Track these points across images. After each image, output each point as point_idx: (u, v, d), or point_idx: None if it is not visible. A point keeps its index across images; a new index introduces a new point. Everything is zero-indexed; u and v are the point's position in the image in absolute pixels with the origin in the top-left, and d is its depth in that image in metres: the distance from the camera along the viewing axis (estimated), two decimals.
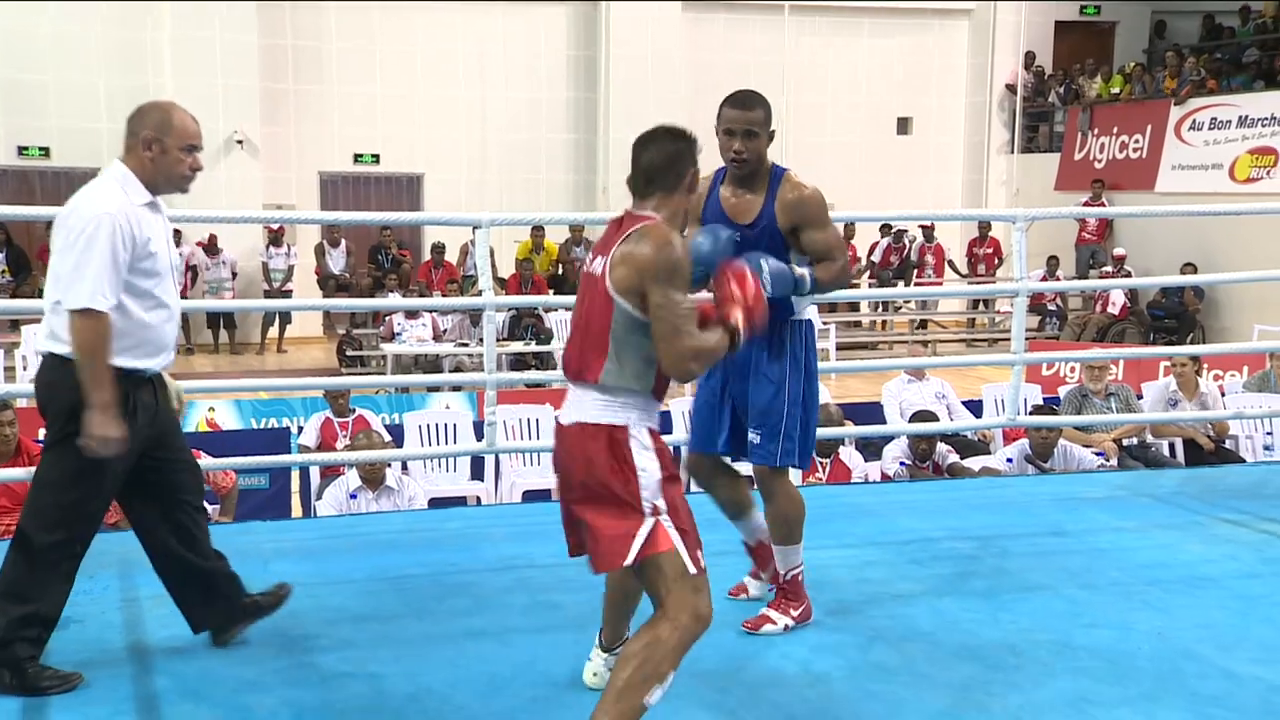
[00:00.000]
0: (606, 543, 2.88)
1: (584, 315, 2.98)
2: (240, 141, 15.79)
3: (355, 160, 17.30)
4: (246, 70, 16.02)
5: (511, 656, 3.63)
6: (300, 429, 8.22)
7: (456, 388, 10.16)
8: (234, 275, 15.68)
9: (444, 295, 13.77)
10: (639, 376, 2.91)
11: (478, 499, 7.68)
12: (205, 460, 5.95)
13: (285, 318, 15.87)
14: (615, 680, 2.79)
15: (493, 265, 17.79)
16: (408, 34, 17.10)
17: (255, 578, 3.83)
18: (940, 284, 17.03)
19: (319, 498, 6.92)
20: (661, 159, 3.00)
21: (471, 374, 11.43)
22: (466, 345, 13.02)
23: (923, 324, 17.66)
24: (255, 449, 6.88)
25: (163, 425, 3.49)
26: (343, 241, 16.00)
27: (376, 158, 17.34)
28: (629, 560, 2.86)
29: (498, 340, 12.19)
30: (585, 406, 2.92)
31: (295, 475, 7.71)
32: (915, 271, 17.39)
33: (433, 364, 12.93)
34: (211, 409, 9.14)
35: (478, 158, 17.55)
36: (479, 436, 6.74)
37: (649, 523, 2.86)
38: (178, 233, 15.47)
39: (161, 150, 3.34)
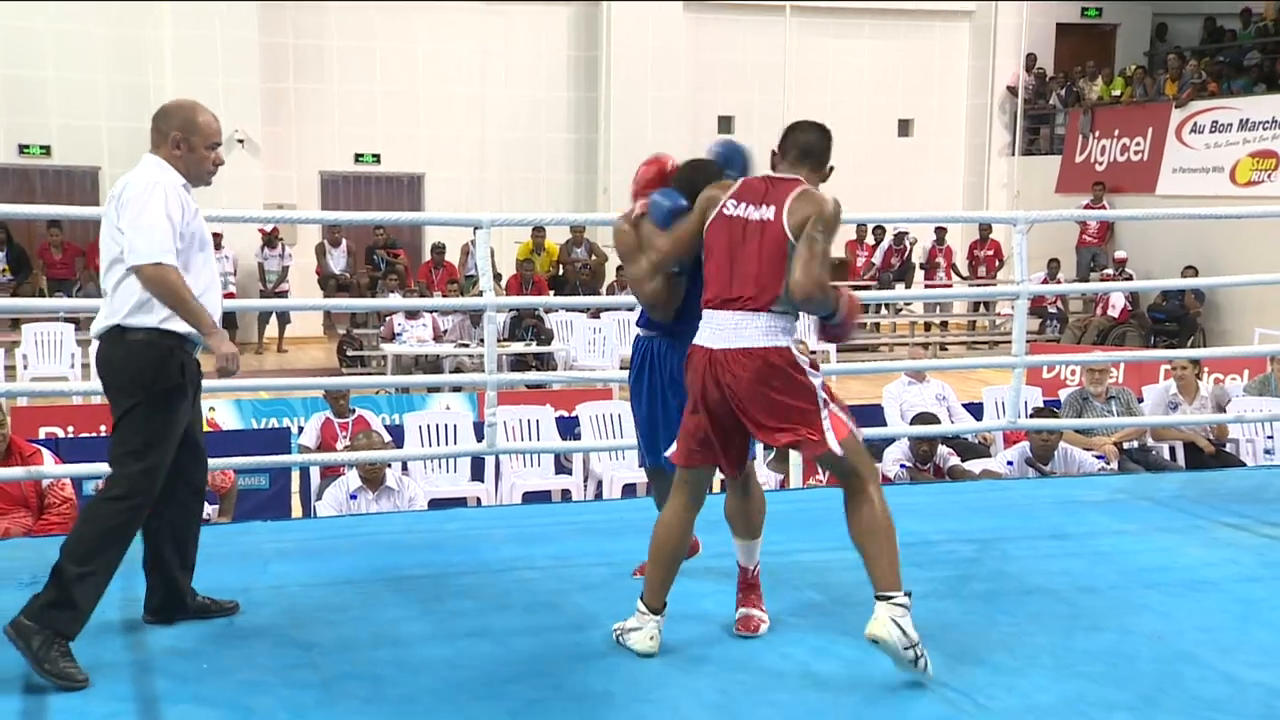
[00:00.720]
0: (806, 433, 3.44)
1: (752, 252, 3.48)
2: (241, 140, 15.80)
3: (356, 160, 17.31)
4: (247, 69, 16.02)
5: (512, 658, 3.63)
6: (300, 429, 8.22)
7: (457, 388, 10.16)
8: (234, 272, 15.70)
9: (444, 295, 13.77)
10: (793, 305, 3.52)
11: (478, 500, 7.68)
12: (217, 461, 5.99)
13: (285, 317, 15.88)
14: (873, 546, 3.42)
15: (493, 266, 17.81)
16: (409, 33, 17.11)
17: (255, 578, 3.84)
18: (950, 285, 17.03)
19: (319, 498, 6.93)
20: (820, 141, 3.64)
21: (472, 375, 11.44)
22: (467, 346, 13.02)
23: (926, 325, 17.66)
24: (255, 449, 6.88)
25: (196, 407, 3.72)
26: (344, 241, 16.01)
27: (377, 157, 17.35)
28: (835, 447, 3.44)
29: (498, 341, 12.22)
30: (748, 332, 3.46)
31: (295, 475, 7.71)
32: (926, 274, 17.39)
33: (433, 364, 12.94)
34: (211, 408, 9.13)
35: (478, 158, 17.55)
36: (479, 437, 6.74)
37: (825, 414, 3.47)
38: None
39: (189, 148, 3.60)
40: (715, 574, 4.13)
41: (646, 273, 3.78)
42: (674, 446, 3.65)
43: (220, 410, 9.22)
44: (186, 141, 3.59)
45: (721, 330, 3.49)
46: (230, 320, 15.71)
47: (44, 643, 3.32)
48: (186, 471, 3.71)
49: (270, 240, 15.81)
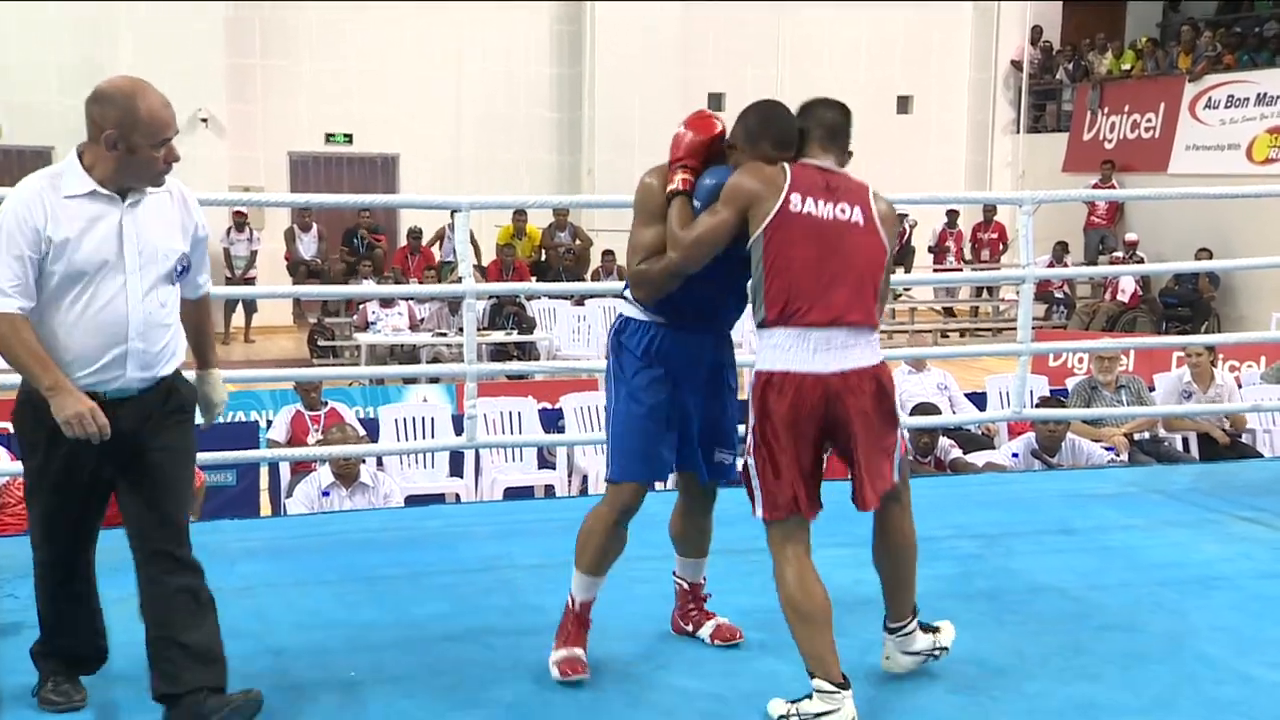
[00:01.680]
0: (891, 461, 3.29)
1: (857, 262, 3.23)
2: (205, 120, 15.74)
3: (327, 140, 17.26)
4: (211, 45, 15.95)
5: (493, 660, 3.63)
6: (269, 423, 8.20)
7: (434, 380, 10.14)
8: None
9: (421, 282, 13.74)
10: None
11: (457, 496, 7.68)
12: None
13: (252, 306, 15.83)
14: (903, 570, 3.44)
15: (475, 250, 17.77)
16: (381, 7, 17.05)
17: (221, 579, 3.81)
18: (960, 270, 17.05)
19: (289, 495, 6.92)
20: (846, 122, 3.41)
21: (450, 365, 11.40)
22: (445, 335, 12.99)
23: (931, 311, 17.70)
24: (221, 444, 6.86)
25: (132, 448, 3.17)
26: (314, 225, 15.96)
27: (349, 137, 17.30)
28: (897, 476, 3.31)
29: (478, 330, 12.18)
30: (869, 350, 3.23)
31: (264, 472, 7.70)
32: (935, 258, 17.41)
33: (409, 355, 12.91)
34: None
35: (456, 137, 17.52)
36: (458, 431, 6.73)
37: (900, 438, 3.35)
38: None
39: (128, 149, 3.01)
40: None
41: (655, 259, 3.36)
42: (783, 502, 3.20)
43: None
44: (125, 141, 3.00)
45: (842, 350, 3.18)
46: None
47: (39, 683, 3.39)
48: (141, 534, 3.21)
49: (238, 224, 15.75)
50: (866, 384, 3.20)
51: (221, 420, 9.21)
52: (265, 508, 7.61)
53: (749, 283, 3.30)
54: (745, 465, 3.30)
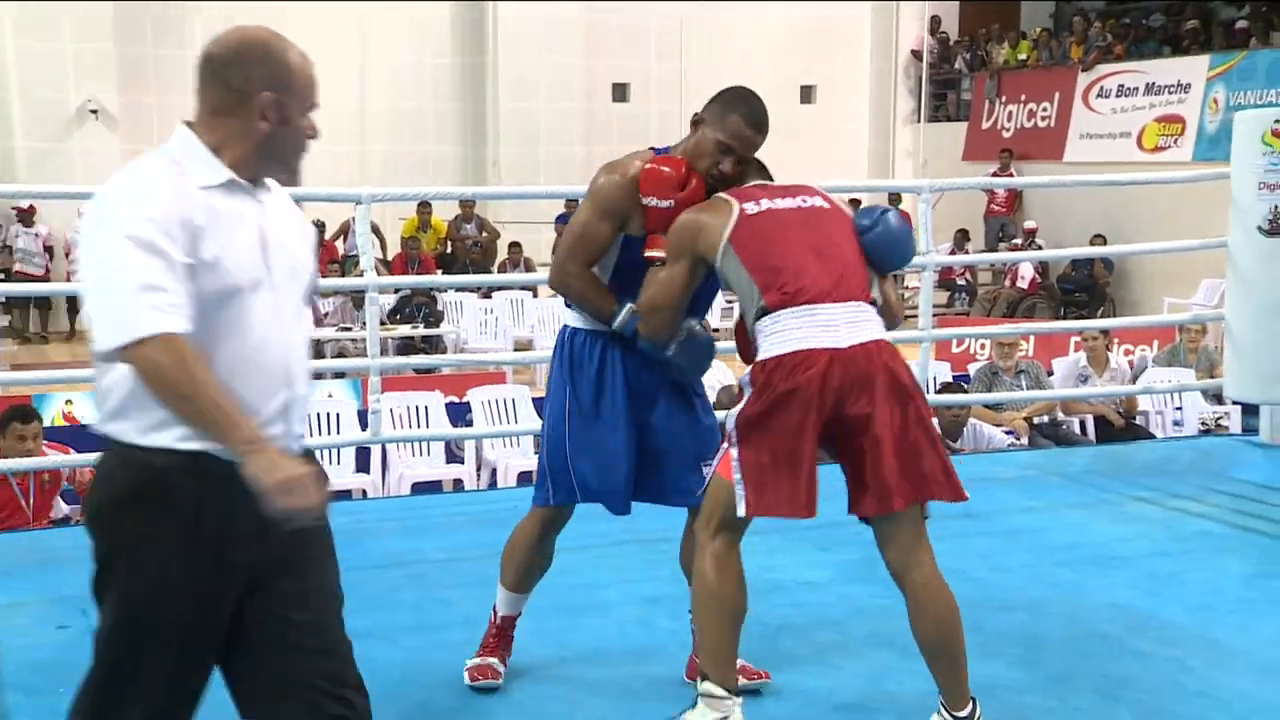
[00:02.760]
0: (948, 471, 3.02)
1: (831, 241, 3.02)
2: (95, 111, 15.31)
3: None
4: (99, 33, 15.51)
5: (401, 658, 3.61)
6: None
7: (339, 374, 10.02)
8: None
9: (324, 276, 13.53)
10: None
11: (364, 492, 7.60)
12: (69, 456, 5.84)
13: None
14: (956, 653, 2.99)
15: (382, 244, 17.48)
16: None
17: None
18: None
19: None
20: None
21: (354, 360, 11.28)
22: (350, 329, 12.85)
23: None
24: (103, 446, 6.71)
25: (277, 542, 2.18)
26: None
27: None
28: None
29: (382, 324, 12.07)
30: (873, 325, 2.96)
31: None
32: None
33: (314, 350, 12.74)
34: (69, 401, 8.90)
35: (359, 130, 17.29)
36: (364, 426, 6.66)
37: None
38: (31, 210, 15.01)
39: (281, 120, 2.25)
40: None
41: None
42: (786, 498, 2.91)
43: (78, 403, 8.98)
44: (280, 109, 2.24)
45: (843, 327, 2.90)
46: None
47: None
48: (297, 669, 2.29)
49: None
50: (889, 357, 2.93)
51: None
52: None
53: (737, 303, 3.07)
54: (729, 456, 2.96)
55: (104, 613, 2.23)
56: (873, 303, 3.00)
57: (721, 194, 3.10)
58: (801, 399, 2.86)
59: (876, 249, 3.08)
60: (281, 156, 2.30)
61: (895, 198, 17.96)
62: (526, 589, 3.46)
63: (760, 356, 2.95)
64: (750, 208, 3.02)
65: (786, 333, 2.90)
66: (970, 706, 3.00)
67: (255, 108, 2.22)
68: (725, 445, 3.00)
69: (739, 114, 3.15)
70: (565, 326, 3.35)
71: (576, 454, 3.26)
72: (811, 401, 2.86)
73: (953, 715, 3.00)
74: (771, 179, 3.23)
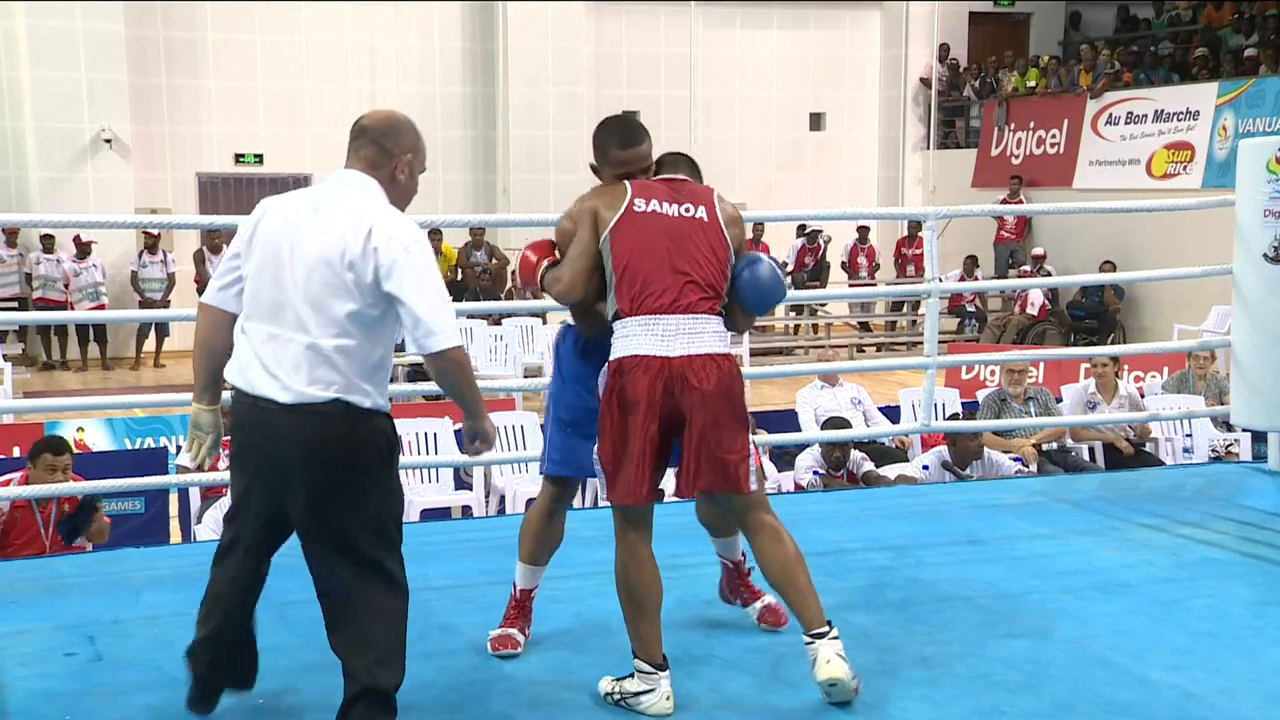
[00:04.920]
0: (745, 466, 3.42)
1: (699, 252, 3.44)
2: (109, 140, 15.46)
3: (237, 160, 17.06)
4: (113, 63, 15.68)
5: (406, 685, 3.60)
6: (179, 448, 8.08)
7: None
8: (103, 282, 15.38)
9: None
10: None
11: None
12: (79, 484, 5.88)
13: (163, 330, 15.59)
14: (799, 583, 3.43)
15: None
16: (290, 25, 16.92)
17: (125, 609, 3.77)
18: (875, 284, 17.24)
19: (199, 521, 6.82)
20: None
21: None
22: None
23: (850, 326, 17.91)
24: (129, 470, 6.76)
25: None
26: (224, 248, 15.72)
27: (260, 158, 17.11)
28: (754, 484, 3.44)
29: (395, 350, 12.07)
30: (707, 338, 3.40)
31: (174, 498, 7.58)
32: (849, 274, 17.60)
33: None
34: (80, 429, 8.95)
35: None
36: None
37: (752, 447, 3.48)
38: (50, 238, 15.13)
39: (411, 174, 3.24)
40: None
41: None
42: (623, 487, 3.39)
43: (90, 431, 9.03)
44: (411, 166, 3.24)
45: (672, 336, 3.38)
46: (102, 334, 15.43)
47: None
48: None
49: (150, 246, 15.51)
50: (710, 370, 3.37)
51: (130, 446, 9.13)
52: (175, 535, 7.49)
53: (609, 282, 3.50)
54: (596, 451, 3.47)
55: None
56: (718, 314, 3.44)
57: (625, 182, 3.52)
58: (636, 402, 3.35)
59: (744, 293, 3.55)
60: (405, 201, 3.27)
61: (915, 226, 17.85)
62: (542, 561, 3.87)
63: (611, 356, 3.44)
64: (639, 204, 3.46)
65: (631, 338, 3.39)
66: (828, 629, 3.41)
67: (400, 166, 3.24)
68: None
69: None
70: (563, 324, 3.94)
71: (557, 430, 3.81)
72: (646, 404, 3.34)
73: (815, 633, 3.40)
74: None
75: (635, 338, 3.38)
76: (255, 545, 3.24)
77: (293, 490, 3.06)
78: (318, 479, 3.02)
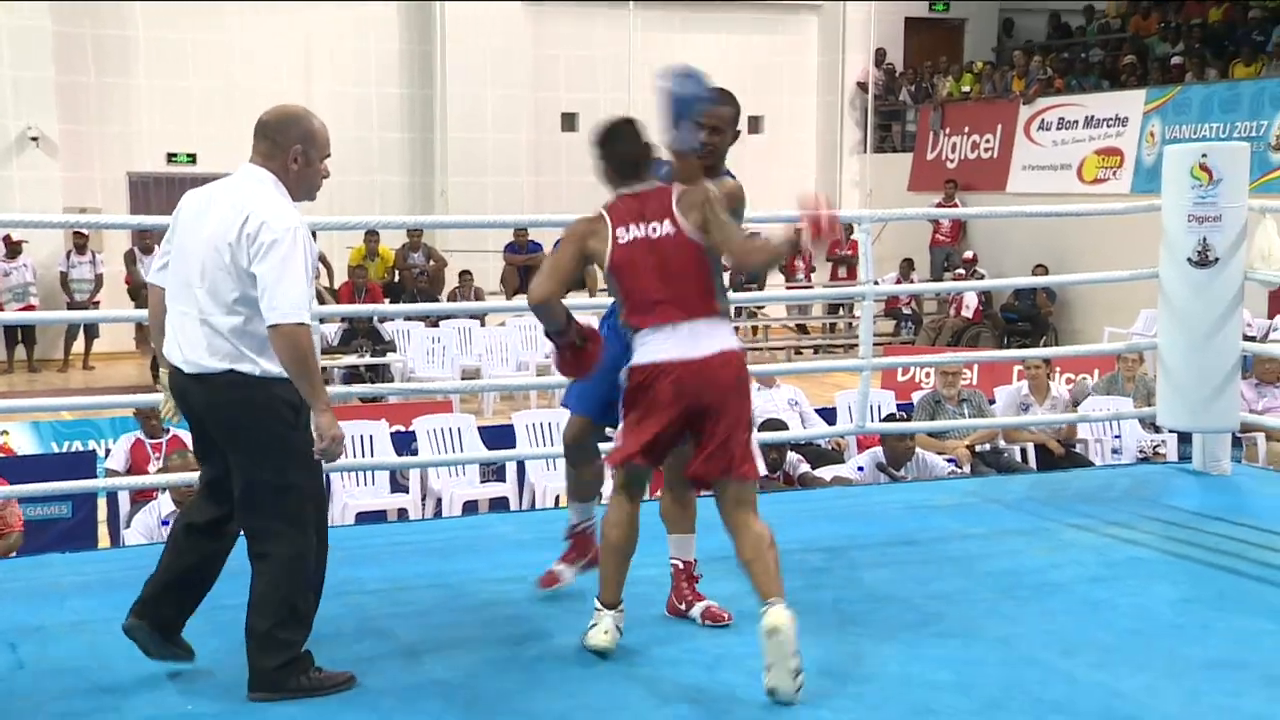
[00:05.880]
0: (749, 454, 3.74)
1: (672, 264, 3.71)
2: (35, 139, 15.20)
3: (169, 160, 16.83)
4: (39, 61, 15.43)
5: (338, 688, 3.58)
6: (108, 452, 7.96)
7: None
8: (34, 282, 15.12)
9: None
10: (727, 302, 3.87)
11: None
12: (7, 487, 5.77)
13: (92, 331, 15.35)
14: (767, 564, 3.61)
15: (329, 272, 17.40)
16: (221, 24, 16.72)
17: (51, 615, 3.71)
18: (811, 287, 17.32)
19: (128, 525, 6.72)
20: (643, 150, 3.86)
21: None
22: None
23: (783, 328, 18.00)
24: (55, 474, 6.64)
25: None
26: (155, 248, 15.51)
27: (193, 157, 16.89)
28: (762, 469, 3.74)
29: (329, 352, 12.00)
30: (721, 336, 3.72)
31: (102, 502, 7.47)
32: (785, 276, 17.65)
33: None
34: (5, 432, 8.79)
35: None
36: None
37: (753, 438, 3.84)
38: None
39: (306, 162, 3.55)
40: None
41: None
42: (621, 452, 3.76)
43: (15, 434, 8.86)
44: (305, 155, 3.54)
45: (692, 338, 3.68)
46: (31, 335, 15.15)
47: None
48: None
49: (79, 246, 15.26)
50: (729, 367, 3.70)
51: (56, 449, 8.97)
52: (104, 539, 7.37)
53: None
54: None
55: None
56: (716, 312, 3.73)
57: (602, 212, 3.81)
58: (654, 397, 3.68)
59: (674, 111, 3.91)
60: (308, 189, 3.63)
61: (848, 228, 18.06)
62: (588, 498, 4.27)
63: (631, 362, 3.74)
64: (621, 234, 3.75)
65: (647, 346, 3.71)
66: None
67: (291, 155, 3.54)
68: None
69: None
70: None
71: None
72: (664, 400, 3.66)
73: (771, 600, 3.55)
74: (646, 141, 3.89)
75: (650, 345, 3.70)
76: (212, 482, 3.65)
77: (212, 442, 3.56)
78: (224, 437, 3.50)
